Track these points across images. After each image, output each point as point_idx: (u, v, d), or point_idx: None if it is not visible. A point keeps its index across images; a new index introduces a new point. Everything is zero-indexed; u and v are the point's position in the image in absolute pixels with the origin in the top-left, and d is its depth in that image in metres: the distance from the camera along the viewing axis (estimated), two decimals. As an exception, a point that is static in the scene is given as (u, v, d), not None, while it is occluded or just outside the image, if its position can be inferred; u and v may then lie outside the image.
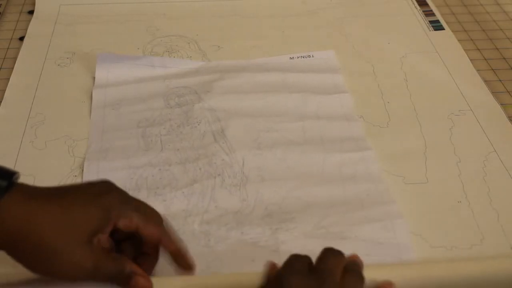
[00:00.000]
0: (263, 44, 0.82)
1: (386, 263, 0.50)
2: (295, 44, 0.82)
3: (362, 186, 0.60)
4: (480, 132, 0.68)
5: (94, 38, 0.83)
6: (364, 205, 0.58)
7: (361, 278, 0.43)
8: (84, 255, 0.43)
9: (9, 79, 0.75)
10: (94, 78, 0.74)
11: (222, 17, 0.88)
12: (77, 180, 0.60)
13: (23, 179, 0.60)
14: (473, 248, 0.55)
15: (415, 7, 0.91)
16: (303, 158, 0.63)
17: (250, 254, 0.51)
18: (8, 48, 0.82)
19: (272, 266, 0.45)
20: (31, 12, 0.89)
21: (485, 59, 0.81)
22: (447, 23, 0.87)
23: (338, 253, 0.44)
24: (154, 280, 0.46)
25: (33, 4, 0.90)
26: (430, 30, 0.86)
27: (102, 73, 0.74)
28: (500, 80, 0.77)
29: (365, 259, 0.46)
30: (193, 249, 0.53)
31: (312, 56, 0.79)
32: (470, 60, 0.80)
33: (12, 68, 0.77)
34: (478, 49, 0.83)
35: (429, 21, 0.88)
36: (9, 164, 0.62)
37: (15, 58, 0.79)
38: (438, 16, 0.89)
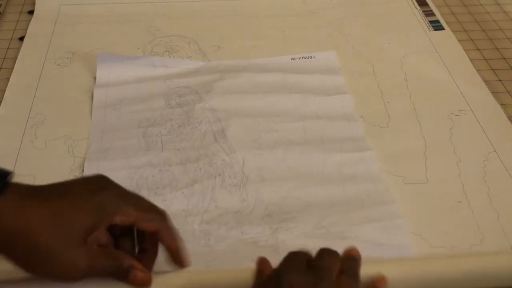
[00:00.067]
0: (263, 44, 0.82)
1: (384, 259, 0.51)
2: (295, 44, 0.82)
3: (362, 186, 0.60)
4: (480, 132, 0.68)
5: (94, 38, 0.83)
6: (364, 205, 0.58)
7: (356, 279, 0.44)
8: (79, 256, 0.43)
9: (9, 79, 0.75)
10: (94, 78, 0.74)
11: (222, 17, 0.88)
12: (77, 180, 0.60)
13: (23, 179, 0.60)
14: (473, 248, 0.55)
15: (415, 7, 0.91)
16: (303, 158, 0.63)
17: (250, 254, 0.51)
18: (8, 48, 0.82)
19: (262, 262, 0.46)
20: (31, 12, 0.89)
21: (485, 59, 0.81)
22: (447, 23, 0.87)
23: (335, 253, 0.45)
24: (154, 275, 0.46)
25: (33, 4, 0.90)
26: (430, 30, 0.86)
27: (103, 73, 0.74)
28: (500, 80, 0.77)
29: (365, 259, 0.46)
30: (193, 248, 0.54)
31: (314, 57, 0.79)
32: (470, 60, 0.80)
33: (12, 68, 0.77)
34: (478, 49, 0.83)
35: (429, 21, 0.88)
36: (9, 164, 0.62)
37: (15, 58, 0.79)
38: (438, 16, 0.89)
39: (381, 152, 0.64)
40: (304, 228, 0.55)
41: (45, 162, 0.63)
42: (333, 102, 0.71)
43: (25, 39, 0.82)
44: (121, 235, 0.47)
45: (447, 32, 0.85)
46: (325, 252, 0.44)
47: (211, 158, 0.63)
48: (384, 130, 0.68)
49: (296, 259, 0.43)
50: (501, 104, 0.72)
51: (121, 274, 0.45)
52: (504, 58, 0.81)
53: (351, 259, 0.45)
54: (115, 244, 0.47)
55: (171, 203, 0.58)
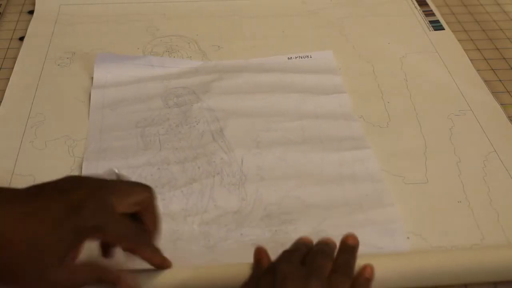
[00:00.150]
0: (263, 44, 0.82)
1: (380, 254, 0.51)
2: (295, 44, 0.81)
3: (361, 186, 0.60)
4: (480, 132, 0.68)
5: (94, 38, 0.83)
6: (363, 207, 0.58)
7: (348, 275, 0.45)
8: (58, 276, 0.42)
9: (9, 79, 0.75)
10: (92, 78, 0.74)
11: (222, 17, 0.88)
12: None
13: (23, 179, 0.61)
14: (473, 248, 0.55)
15: (415, 7, 0.91)
16: (302, 157, 0.63)
17: (249, 255, 0.51)
18: (8, 48, 0.82)
19: (260, 252, 0.47)
20: (31, 12, 0.89)
21: (485, 59, 0.81)
22: (447, 23, 0.87)
23: (328, 253, 0.46)
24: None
25: (33, 4, 0.90)
26: (430, 30, 0.86)
27: (101, 73, 0.74)
28: (500, 80, 0.77)
29: (361, 255, 0.47)
30: (193, 248, 0.54)
31: (310, 57, 0.79)
32: (470, 60, 0.80)
33: (12, 68, 0.77)
34: (478, 49, 0.83)
35: (429, 21, 0.87)
36: (9, 164, 0.62)
37: (15, 58, 0.79)
38: (438, 16, 0.89)
39: (381, 152, 0.64)
40: (303, 231, 0.55)
41: (45, 162, 0.63)
42: (331, 101, 0.71)
43: (25, 39, 0.82)
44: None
45: (447, 32, 0.85)
46: (318, 253, 0.46)
47: (209, 157, 0.63)
48: (384, 130, 0.68)
49: (292, 254, 0.46)
50: (501, 104, 0.72)
51: (108, 285, 0.44)
52: (504, 58, 0.81)
53: (348, 251, 0.47)
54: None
55: (170, 202, 0.58)
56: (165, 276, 0.48)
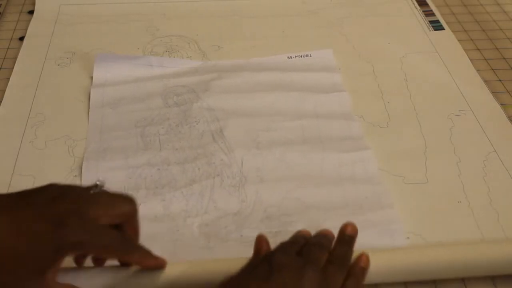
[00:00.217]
0: (263, 44, 0.82)
1: (378, 248, 0.51)
2: (295, 44, 0.81)
3: (361, 187, 0.60)
4: (480, 132, 0.68)
5: (94, 38, 0.83)
6: (363, 208, 0.58)
7: (343, 266, 0.46)
8: None
9: (9, 79, 0.75)
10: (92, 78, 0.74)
11: (222, 17, 0.88)
12: (77, 181, 0.60)
13: (23, 179, 0.61)
14: (471, 242, 0.55)
15: (415, 7, 0.91)
16: (302, 158, 0.63)
17: (249, 257, 0.51)
18: (8, 48, 0.82)
19: (261, 241, 0.48)
20: (31, 12, 0.89)
21: (485, 59, 0.81)
22: (447, 23, 0.87)
23: (326, 245, 0.47)
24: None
25: (33, 4, 0.90)
26: (430, 30, 0.86)
27: (100, 73, 0.74)
28: (500, 80, 0.77)
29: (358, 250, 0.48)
30: (193, 249, 0.54)
31: (310, 55, 0.79)
32: (470, 60, 0.80)
33: (12, 68, 0.77)
34: (478, 49, 0.83)
35: (429, 21, 0.87)
36: (9, 164, 0.62)
37: (15, 58, 0.79)
38: (438, 16, 0.89)
39: (381, 152, 0.64)
40: None
41: (45, 162, 0.63)
42: (330, 100, 0.71)
43: (25, 39, 0.82)
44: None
45: (447, 32, 0.85)
46: (315, 245, 0.47)
47: (209, 158, 0.63)
48: (384, 130, 0.68)
49: (288, 245, 0.47)
50: (501, 104, 0.72)
51: None
52: (504, 58, 0.81)
53: (345, 242, 0.48)
54: None
55: (170, 203, 0.58)
56: (164, 270, 0.48)
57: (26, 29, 0.84)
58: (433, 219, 0.57)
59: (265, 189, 0.59)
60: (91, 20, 0.86)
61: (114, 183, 0.58)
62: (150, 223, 0.56)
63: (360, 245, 0.48)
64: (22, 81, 0.75)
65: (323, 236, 0.49)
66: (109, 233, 0.44)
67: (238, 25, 0.86)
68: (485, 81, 0.76)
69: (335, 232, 0.49)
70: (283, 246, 0.46)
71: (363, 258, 0.47)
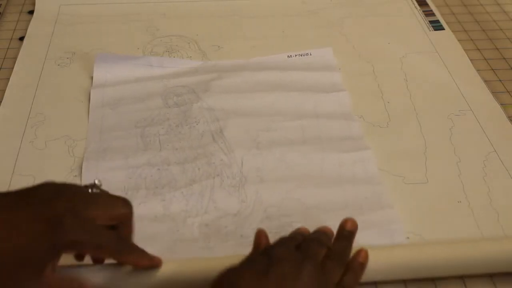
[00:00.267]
0: (263, 44, 0.82)
1: (377, 246, 0.51)
2: (295, 44, 0.81)
3: (361, 187, 0.60)
4: (480, 132, 0.68)
5: (94, 38, 0.83)
6: (363, 208, 0.58)
7: (341, 264, 0.46)
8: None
9: (9, 79, 0.75)
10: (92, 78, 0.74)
11: (222, 17, 0.88)
12: (77, 181, 0.60)
13: (23, 179, 0.61)
14: (470, 240, 0.55)
15: (415, 7, 0.91)
16: (302, 158, 0.63)
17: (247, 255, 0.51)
18: (8, 48, 0.82)
19: (261, 235, 0.48)
20: (31, 12, 0.89)
21: (485, 59, 0.81)
22: (447, 23, 0.87)
23: (325, 241, 0.47)
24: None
25: (33, 4, 0.90)
26: (430, 30, 0.86)
27: (100, 73, 0.74)
28: (500, 80, 0.77)
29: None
30: (192, 250, 0.54)
31: (310, 54, 0.79)
32: (470, 60, 0.80)
33: (12, 68, 0.77)
34: (478, 49, 0.83)
35: (429, 21, 0.87)
36: (9, 164, 0.62)
37: (15, 58, 0.79)
38: (438, 16, 0.89)
39: (381, 152, 0.64)
40: None
41: (45, 162, 0.63)
42: (330, 99, 0.71)
43: (25, 39, 0.82)
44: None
45: (447, 32, 0.85)
46: (314, 240, 0.47)
47: (209, 158, 0.63)
48: (384, 130, 0.68)
49: (287, 240, 0.47)
50: (501, 104, 0.72)
51: None
52: (504, 58, 0.81)
53: (345, 238, 0.48)
54: None
55: (170, 203, 0.58)
56: (161, 268, 0.48)
57: (26, 29, 0.84)
58: (433, 219, 0.57)
59: (265, 189, 0.59)
60: (91, 20, 0.86)
61: (114, 183, 0.58)
62: (150, 223, 0.56)
63: (360, 245, 0.48)
64: (22, 81, 0.75)
65: (322, 233, 0.49)
66: (105, 233, 0.45)
67: (238, 25, 0.86)
68: (485, 81, 0.76)
69: (335, 232, 0.49)
70: (282, 241, 0.47)
71: (362, 253, 0.47)
